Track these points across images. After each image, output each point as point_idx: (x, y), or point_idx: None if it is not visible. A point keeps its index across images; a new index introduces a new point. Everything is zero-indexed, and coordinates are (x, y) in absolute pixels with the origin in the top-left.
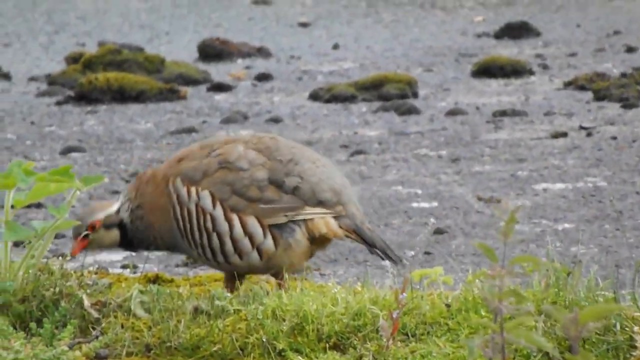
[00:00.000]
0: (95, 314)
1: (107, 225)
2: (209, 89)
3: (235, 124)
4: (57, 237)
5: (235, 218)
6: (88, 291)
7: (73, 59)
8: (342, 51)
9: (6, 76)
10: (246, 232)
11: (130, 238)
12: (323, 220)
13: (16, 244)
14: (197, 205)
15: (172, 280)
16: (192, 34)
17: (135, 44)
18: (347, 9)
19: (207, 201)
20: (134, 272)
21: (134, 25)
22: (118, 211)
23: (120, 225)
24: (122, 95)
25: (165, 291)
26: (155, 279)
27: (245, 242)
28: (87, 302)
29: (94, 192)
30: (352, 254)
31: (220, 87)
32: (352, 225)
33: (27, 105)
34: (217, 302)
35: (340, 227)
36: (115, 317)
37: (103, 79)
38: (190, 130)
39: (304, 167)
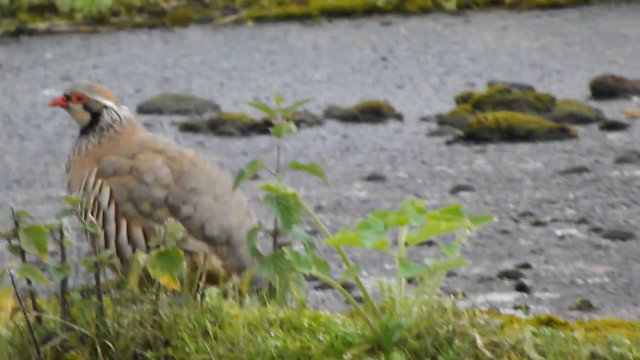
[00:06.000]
0: (488, 354)
1: (88, 106)
2: (601, 128)
3: (630, 163)
4: (448, 274)
5: (124, 224)
6: (480, 330)
7: (463, 99)
8: None
9: (399, 117)
10: (130, 240)
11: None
12: (204, 256)
13: (409, 281)
14: (95, 198)
15: (565, 324)
16: (585, 71)
17: (525, 83)
18: None
19: (105, 197)
20: (526, 314)
21: (524, 65)
22: (106, 107)
23: (95, 117)
24: (510, 134)
25: (559, 334)
26: (548, 322)
27: (128, 250)
28: (479, 342)
29: (483, 231)
30: None
31: (613, 126)
32: (238, 265)
33: (418, 144)
34: (614, 349)
35: (224, 266)
36: (509, 358)
37: (492, 119)
38: (581, 170)
39: (202, 199)
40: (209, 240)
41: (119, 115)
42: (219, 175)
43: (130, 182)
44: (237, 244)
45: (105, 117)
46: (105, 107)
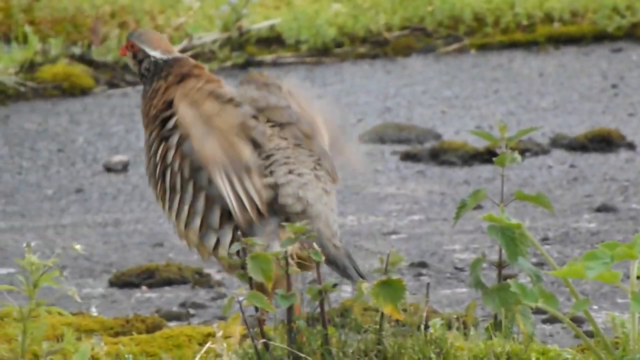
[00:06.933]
0: None
1: (136, 55)
2: None
3: None
4: None
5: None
6: None
7: None
8: None
9: (631, 146)
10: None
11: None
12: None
13: None
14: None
15: None
16: None
17: None
18: None
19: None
20: None
21: None
22: (148, 57)
23: (140, 65)
24: None
25: None
26: None
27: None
28: None
29: None
30: None
31: None
32: (316, 242)
33: None
34: None
35: (302, 247)
36: None
37: None
38: None
39: (278, 167)
40: (284, 208)
41: (160, 61)
42: (302, 150)
43: (212, 102)
44: (314, 216)
45: (144, 64)
46: (148, 56)
